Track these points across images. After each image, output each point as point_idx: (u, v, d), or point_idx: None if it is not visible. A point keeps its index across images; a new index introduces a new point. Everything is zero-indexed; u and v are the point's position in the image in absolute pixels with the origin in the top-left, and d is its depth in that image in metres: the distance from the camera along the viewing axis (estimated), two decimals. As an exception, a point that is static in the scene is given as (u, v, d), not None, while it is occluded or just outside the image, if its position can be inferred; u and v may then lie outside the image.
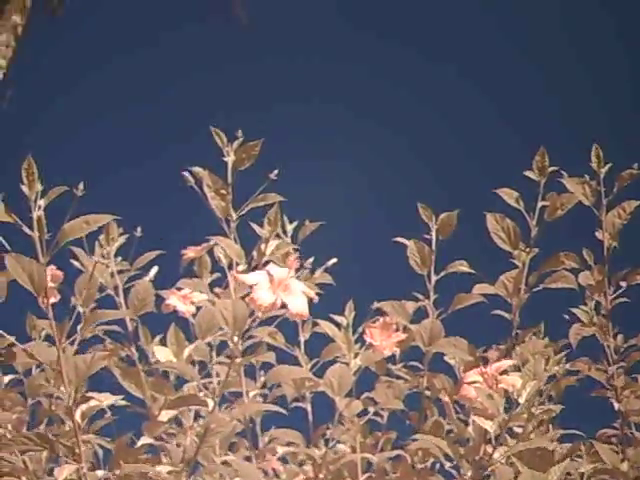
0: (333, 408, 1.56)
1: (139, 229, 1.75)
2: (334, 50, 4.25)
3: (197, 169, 1.48)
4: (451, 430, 1.62)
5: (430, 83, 4.16)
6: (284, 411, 1.47)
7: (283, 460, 1.77)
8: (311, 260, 1.79)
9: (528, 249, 1.58)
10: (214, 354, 1.58)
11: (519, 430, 1.31)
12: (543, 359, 1.26)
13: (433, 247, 1.62)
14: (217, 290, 1.66)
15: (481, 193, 1.80)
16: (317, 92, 4.18)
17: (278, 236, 1.51)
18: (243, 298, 1.35)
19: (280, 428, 1.69)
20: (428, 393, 1.65)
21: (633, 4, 4.04)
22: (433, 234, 1.62)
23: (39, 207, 1.17)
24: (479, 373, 1.34)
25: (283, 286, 1.33)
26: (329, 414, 1.60)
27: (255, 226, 1.43)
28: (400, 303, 1.63)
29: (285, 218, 1.81)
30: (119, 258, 1.72)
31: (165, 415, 1.46)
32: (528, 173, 1.58)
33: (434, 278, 1.63)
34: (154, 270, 1.75)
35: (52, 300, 1.28)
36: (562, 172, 1.57)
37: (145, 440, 1.47)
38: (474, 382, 1.33)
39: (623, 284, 1.58)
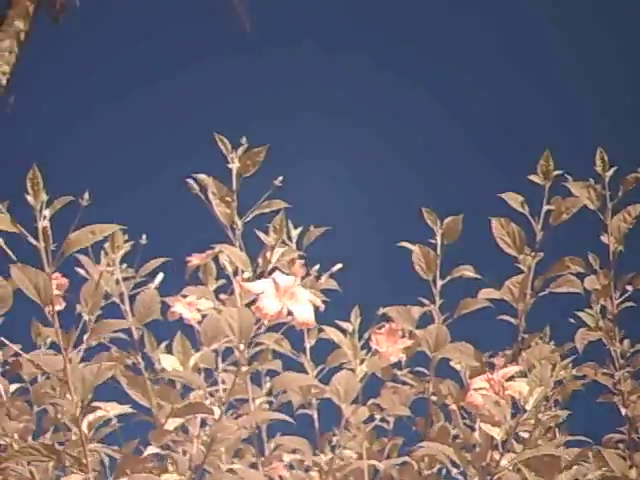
0: (339, 415, 1.56)
1: (144, 236, 1.75)
2: (334, 49, 4.25)
3: (202, 176, 1.48)
4: (457, 436, 1.62)
5: (435, 87, 4.16)
6: (291, 419, 1.47)
7: (289, 467, 1.76)
8: (317, 267, 1.79)
9: (533, 253, 1.58)
10: (220, 361, 1.57)
11: (526, 435, 1.31)
12: (549, 365, 1.26)
13: (438, 252, 1.62)
14: (222, 297, 1.66)
15: (486, 197, 1.80)
16: (319, 97, 4.18)
17: (283, 242, 1.51)
18: (249, 305, 1.35)
19: (286, 435, 1.68)
20: (434, 399, 1.65)
21: (636, 6, 4.04)
22: (438, 239, 1.62)
23: (44, 217, 1.17)
24: (486, 380, 1.34)
25: (289, 294, 1.32)
26: (335, 421, 1.60)
27: (261, 234, 1.43)
28: (406, 308, 1.62)
29: (290, 224, 1.81)
30: (124, 265, 1.72)
31: (171, 423, 1.45)
32: (533, 177, 1.58)
33: (440, 283, 1.63)
34: (159, 277, 1.75)
35: (57, 308, 1.27)
36: (567, 176, 1.57)
37: (152, 449, 1.46)
38: (481, 389, 1.33)
39: (629, 288, 1.58)
